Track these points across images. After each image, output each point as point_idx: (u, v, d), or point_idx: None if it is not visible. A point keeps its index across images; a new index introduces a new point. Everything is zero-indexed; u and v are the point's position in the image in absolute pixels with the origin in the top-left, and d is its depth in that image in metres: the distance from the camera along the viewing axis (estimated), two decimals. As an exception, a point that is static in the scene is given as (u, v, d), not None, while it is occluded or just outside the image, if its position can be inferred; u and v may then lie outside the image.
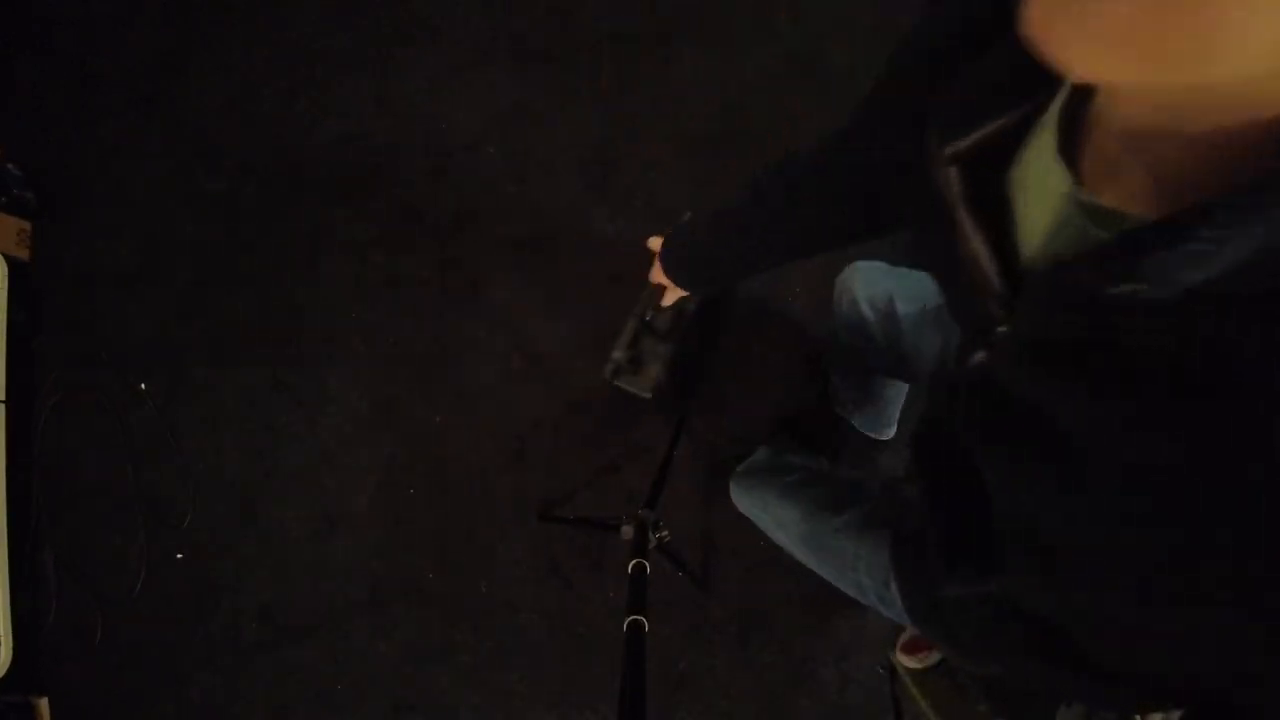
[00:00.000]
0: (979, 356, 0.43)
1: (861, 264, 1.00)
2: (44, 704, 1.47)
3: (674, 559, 1.37)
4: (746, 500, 1.10)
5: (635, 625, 0.82)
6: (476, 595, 1.46)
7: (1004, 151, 0.39)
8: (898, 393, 1.28)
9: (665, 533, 1.26)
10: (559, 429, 1.47)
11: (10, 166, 1.52)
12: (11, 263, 1.50)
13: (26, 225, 1.55)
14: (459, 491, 1.48)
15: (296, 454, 1.51)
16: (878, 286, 0.95)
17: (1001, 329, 0.40)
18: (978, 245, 0.40)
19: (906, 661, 0.87)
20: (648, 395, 1.21)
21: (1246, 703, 0.34)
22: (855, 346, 1.03)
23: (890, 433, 1.34)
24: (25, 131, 1.59)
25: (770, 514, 1.00)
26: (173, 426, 1.53)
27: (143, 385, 1.53)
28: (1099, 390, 0.32)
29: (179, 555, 1.50)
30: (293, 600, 1.48)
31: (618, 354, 1.19)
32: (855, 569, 0.77)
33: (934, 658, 0.89)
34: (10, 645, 1.41)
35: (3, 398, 1.46)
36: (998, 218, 0.39)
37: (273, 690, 1.47)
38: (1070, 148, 0.35)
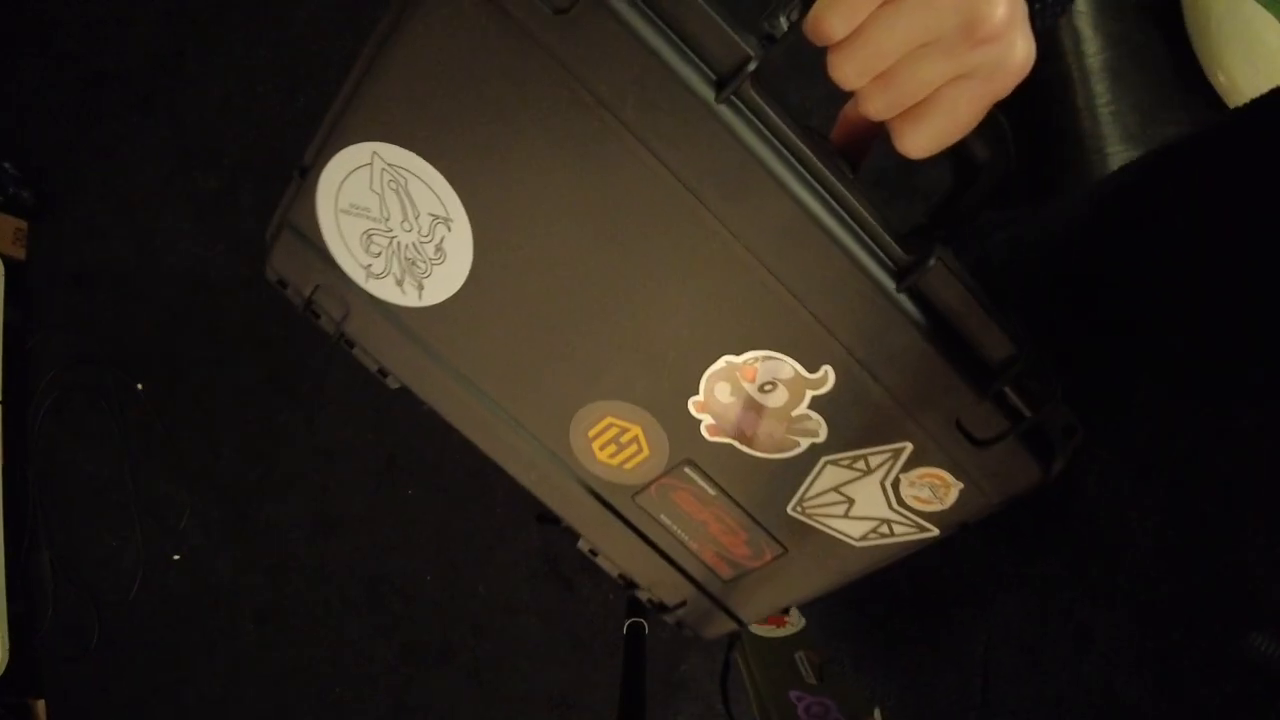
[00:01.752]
0: None
1: None
2: (40, 706, 1.47)
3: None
4: None
5: (635, 627, 0.82)
6: (475, 597, 1.46)
7: None
8: None
9: (665, 534, 1.26)
10: (558, 430, 1.47)
11: (7, 165, 1.51)
12: (7, 262, 1.49)
13: (23, 224, 1.55)
14: (457, 493, 1.48)
15: (294, 455, 1.50)
16: None
17: None
18: None
19: (758, 629, 0.86)
20: None
21: None
22: None
23: None
24: (22, 130, 1.59)
25: None
26: (169, 427, 1.52)
27: (139, 385, 1.53)
28: None
29: (175, 556, 1.50)
30: (290, 602, 1.48)
31: None
32: None
33: (785, 631, 0.88)
34: (6, 647, 1.40)
35: (-1, 398, 1.45)
36: None
37: (271, 692, 1.46)
38: None
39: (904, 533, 0.40)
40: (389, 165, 0.38)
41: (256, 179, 1.56)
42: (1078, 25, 0.86)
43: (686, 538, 0.46)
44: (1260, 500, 0.27)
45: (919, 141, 0.30)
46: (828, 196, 0.32)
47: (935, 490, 0.37)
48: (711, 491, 0.42)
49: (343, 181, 0.42)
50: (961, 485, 0.37)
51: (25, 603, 1.48)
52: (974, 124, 0.30)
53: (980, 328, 0.34)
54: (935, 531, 0.39)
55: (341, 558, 1.48)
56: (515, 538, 1.46)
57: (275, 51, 1.59)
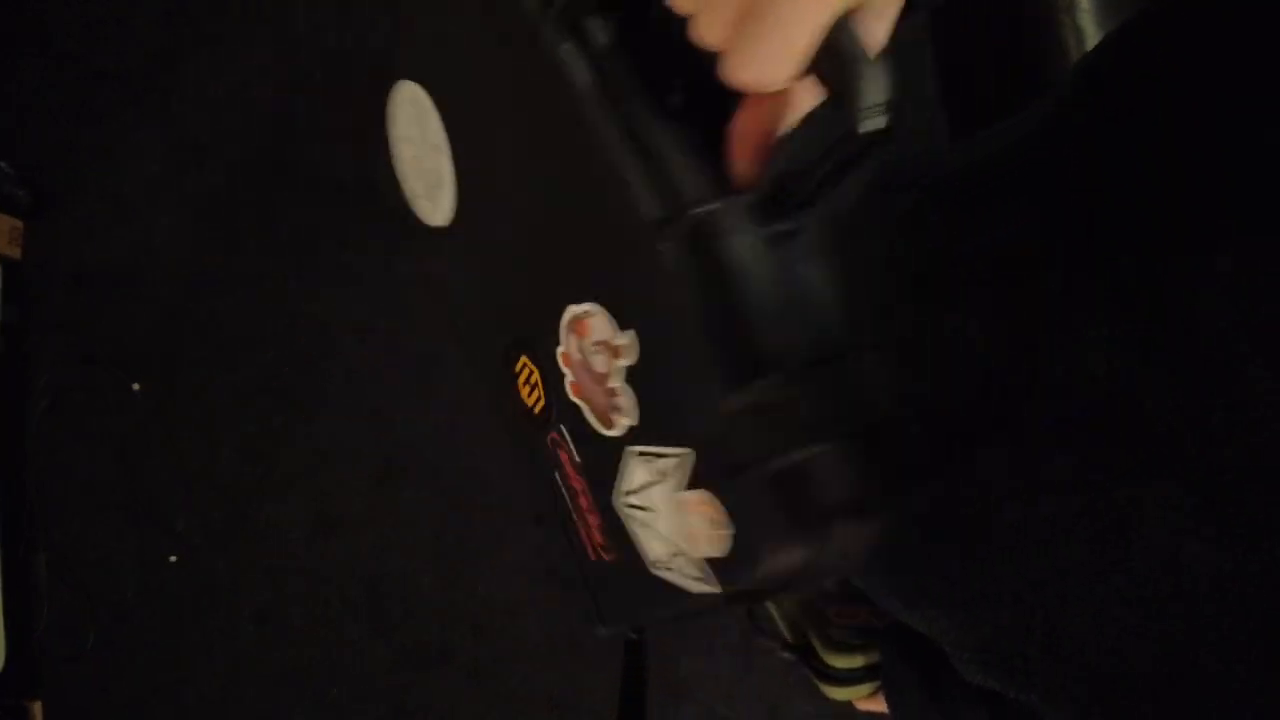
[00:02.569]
0: None
1: None
2: (37, 708, 1.46)
3: (674, 561, 1.36)
4: None
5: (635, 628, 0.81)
6: (474, 598, 1.45)
7: None
8: None
9: (666, 534, 1.25)
10: (558, 430, 1.47)
11: (3, 165, 1.50)
12: (3, 262, 1.48)
13: (19, 224, 1.54)
14: (457, 493, 1.47)
15: (292, 455, 1.50)
16: None
17: None
18: None
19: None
20: None
21: None
22: None
23: None
24: (20, 129, 1.58)
25: None
26: (168, 427, 1.51)
27: (136, 386, 1.52)
28: None
29: (172, 558, 1.49)
30: (289, 603, 1.47)
31: None
32: None
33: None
34: (3, 648, 1.40)
35: (-4, 398, 1.45)
36: None
37: (269, 694, 1.46)
38: None
39: (686, 574, 0.31)
40: (413, 99, 0.42)
41: (255, 179, 1.55)
42: (1080, 23, 0.86)
43: (570, 506, 0.42)
44: (1258, 348, 0.27)
45: (739, 61, 0.23)
46: (611, 105, 0.27)
47: (713, 529, 0.27)
48: (577, 458, 0.37)
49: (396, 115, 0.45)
50: (733, 531, 0.27)
51: (22, 604, 1.47)
52: (818, 34, 0.22)
53: (755, 300, 0.26)
54: (716, 590, 0.29)
55: (341, 558, 1.47)
56: (515, 538, 1.45)
57: (274, 51, 1.58)
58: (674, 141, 0.27)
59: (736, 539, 0.27)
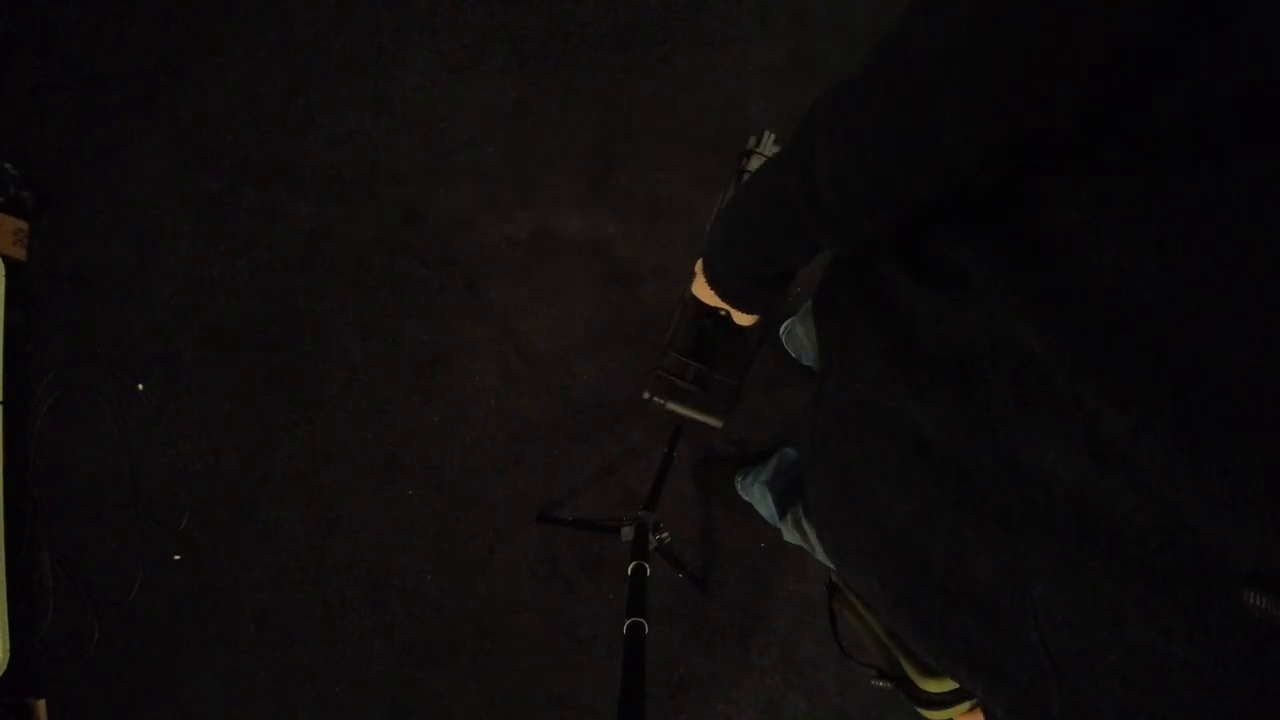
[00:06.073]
0: None
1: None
2: (41, 706, 1.46)
3: (674, 561, 1.36)
4: (757, 494, 1.11)
5: (635, 627, 0.81)
6: (475, 597, 1.46)
7: None
8: None
9: (665, 534, 1.25)
10: (557, 429, 1.47)
11: (7, 166, 1.51)
12: (8, 263, 1.49)
13: (24, 225, 1.55)
14: (457, 493, 1.47)
15: (293, 455, 1.50)
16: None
17: None
18: None
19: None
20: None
21: None
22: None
23: None
24: (23, 131, 1.59)
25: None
26: (169, 427, 1.52)
27: (140, 386, 1.53)
28: None
29: (176, 557, 1.50)
30: (290, 602, 1.48)
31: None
32: None
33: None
34: (7, 647, 1.40)
35: (0, 398, 1.45)
36: None
37: (271, 692, 1.46)
38: None
39: None
40: None
41: (256, 179, 1.56)
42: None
43: None
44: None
45: None
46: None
47: None
48: None
49: None
50: None
51: (26, 603, 1.48)
52: None
53: None
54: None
55: (341, 558, 1.48)
56: (515, 538, 1.46)
57: (275, 51, 1.59)
58: None
59: None
